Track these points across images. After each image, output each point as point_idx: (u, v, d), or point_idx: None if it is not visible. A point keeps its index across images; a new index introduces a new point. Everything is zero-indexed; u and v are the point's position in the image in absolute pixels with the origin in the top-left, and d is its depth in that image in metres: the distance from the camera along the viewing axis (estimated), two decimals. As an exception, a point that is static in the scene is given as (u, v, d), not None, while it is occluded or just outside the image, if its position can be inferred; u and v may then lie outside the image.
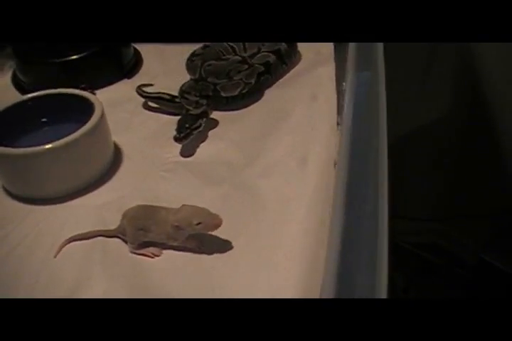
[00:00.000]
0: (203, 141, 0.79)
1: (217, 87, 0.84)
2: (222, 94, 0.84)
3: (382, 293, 0.31)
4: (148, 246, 0.62)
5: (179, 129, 0.76)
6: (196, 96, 0.83)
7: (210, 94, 0.84)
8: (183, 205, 0.62)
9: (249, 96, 0.87)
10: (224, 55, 0.93)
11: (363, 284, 0.32)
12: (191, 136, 0.76)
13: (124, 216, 0.64)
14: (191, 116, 0.78)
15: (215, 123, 0.83)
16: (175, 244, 0.62)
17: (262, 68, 0.89)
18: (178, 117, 0.80)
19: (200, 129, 0.77)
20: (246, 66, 0.86)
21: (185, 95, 0.83)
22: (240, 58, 0.88)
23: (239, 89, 0.84)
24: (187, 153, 0.76)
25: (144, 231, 0.61)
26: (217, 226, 0.59)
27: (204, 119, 0.78)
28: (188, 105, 0.81)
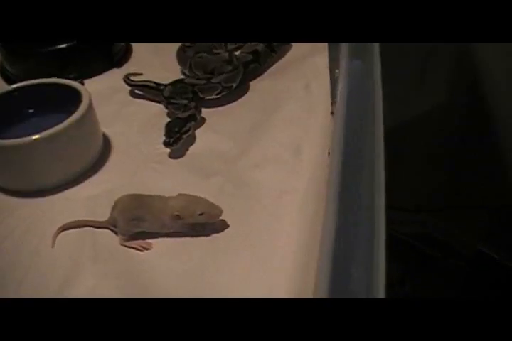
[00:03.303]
0: (192, 143, 0.77)
1: (195, 89, 0.82)
2: (201, 95, 0.82)
3: (380, 293, 0.30)
4: (138, 239, 0.61)
5: (168, 134, 0.73)
6: (185, 99, 0.81)
7: (191, 95, 0.82)
8: (180, 194, 0.61)
9: (239, 86, 0.85)
10: (215, 48, 0.91)
11: (359, 283, 0.31)
12: (181, 140, 0.74)
13: (115, 206, 0.63)
14: (179, 119, 0.76)
15: (206, 116, 0.81)
16: (170, 231, 0.61)
17: (250, 57, 0.87)
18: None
19: (190, 133, 0.76)
20: (230, 67, 0.83)
21: (172, 100, 0.81)
22: (227, 57, 0.85)
23: (217, 92, 0.82)
24: (176, 156, 0.74)
25: (138, 221, 0.61)
26: (218, 216, 0.60)
27: (192, 123, 0.76)
28: (177, 110, 0.79)
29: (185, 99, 0.80)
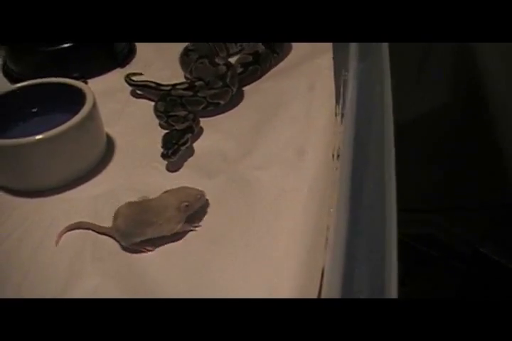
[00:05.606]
0: (191, 155, 0.76)
1: (183, 100, 0.81)
2: (189, 108, 0.81)
3: (393, 293, 0.30)
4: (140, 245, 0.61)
5: (166, 145, 0.72)
6: (184, 110, 0.80)
7: (180, 108, 0.81)
8: (165, 192, 0.63)
9: (242, 87, 0.85)
10: (217, 54, 0.91)
11: (370, 284, 0.31)
12: (179, 152, 0.72)
13: (117, 216, 0.61)
14: (177, 131, 0.75)
15: (208, 116, 0.81)
16: (174, 231, 0.60)
17: (251, 58, 0.87)
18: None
19: (188, 145, 0.74)
20: (220, 84, 0.81)
21: (170, 113, 0.80)
22: (223, 71, 0.83)
23: (202, 106, 0.81)
24: (174, 168, 0.73)
25: (142, 227, 0.60)
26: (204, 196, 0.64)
27: (190, 134, 0.75)
28: (176, 122, 0.78)
29: (183, 110, 0.80)
